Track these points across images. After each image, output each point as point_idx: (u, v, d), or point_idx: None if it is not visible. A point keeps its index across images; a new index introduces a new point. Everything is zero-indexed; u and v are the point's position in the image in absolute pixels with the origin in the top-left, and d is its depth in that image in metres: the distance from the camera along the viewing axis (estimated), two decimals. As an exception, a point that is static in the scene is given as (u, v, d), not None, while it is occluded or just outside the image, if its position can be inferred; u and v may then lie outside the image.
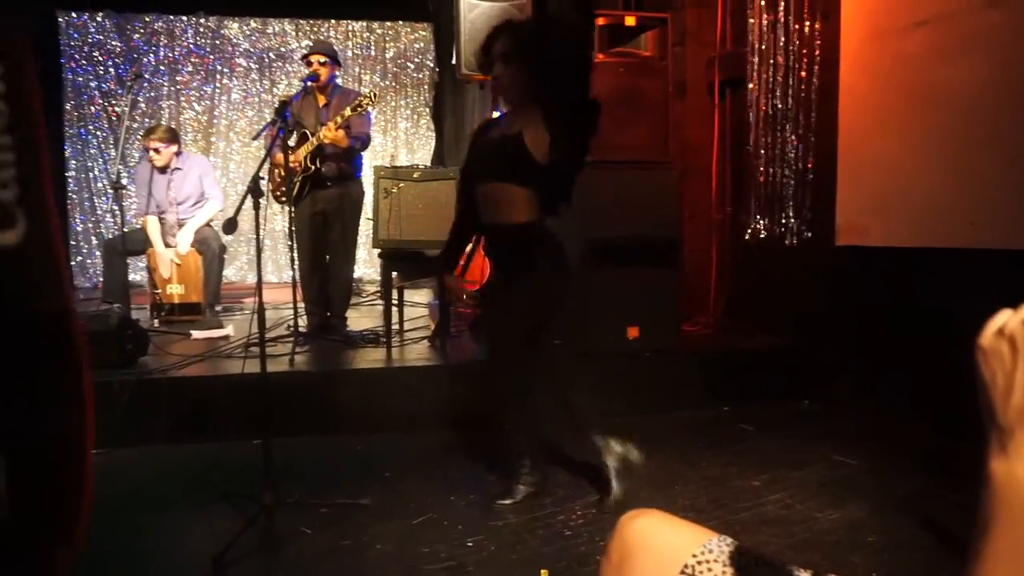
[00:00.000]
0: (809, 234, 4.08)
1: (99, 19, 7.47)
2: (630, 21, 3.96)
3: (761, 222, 4.32)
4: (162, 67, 7.64)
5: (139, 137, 7.13)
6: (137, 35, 7.58)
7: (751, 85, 4.33)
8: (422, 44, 8.09)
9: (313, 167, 4.29)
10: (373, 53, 8.09)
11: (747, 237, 4.42)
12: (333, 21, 7.95)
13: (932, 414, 3.32)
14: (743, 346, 4.29)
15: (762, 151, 4.31)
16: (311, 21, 7.89)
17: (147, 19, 7.57)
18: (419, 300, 5.72)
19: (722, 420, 3.74)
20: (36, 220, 0.59)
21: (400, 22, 8.03)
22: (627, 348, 3.89)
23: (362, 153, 4.54)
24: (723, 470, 3.04)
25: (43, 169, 0.61)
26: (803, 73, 4.02)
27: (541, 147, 2.53)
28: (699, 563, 0.95)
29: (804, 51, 4.02)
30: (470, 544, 2.40)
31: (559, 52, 2.56)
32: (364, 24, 8.00)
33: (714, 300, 4.77)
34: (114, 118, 7.44)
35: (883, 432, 3.45)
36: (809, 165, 4.06)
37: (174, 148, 4.98)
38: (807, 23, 3.99)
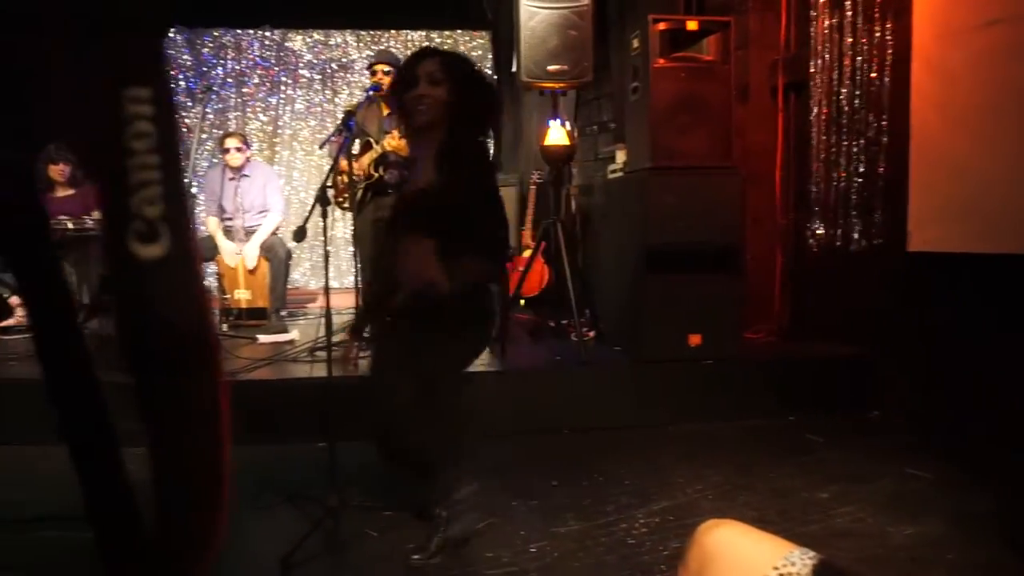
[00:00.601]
0: (879, 240, 3.95)
1: (170, 34, 7.74)
2: (692, 25, 3.92)
3: (827, 228, 4.22)
4: (229, 79, 7.87)
5: (207, 147, 7.39)
6: (206, 49, 7.83)
7: (816, 87, 4.23)
8: (480, 52, 8.14)
9: (376, 174, 4.37)
10: (432, 62, 8.18)
11: (812, 243, 4.31)
12: (393, 31, 8.07)
13: (1008, 426, 3.18)
14: (808, 354, 4.18)
15: (827, 155, 4.21)
16: (371, 32, 8.03)
17: (216, 33, 7.81)
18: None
19: (787, 430, 3.65)
20: (178, 234, 0.62)
21: (459, 31, 8.10)
22: (689, 355, 3.84)
23: (423, 161, 4.60)
24: (790, 481, 2.97)
25: (182, 185, 0.64)
26: (873, 74, 3.90)
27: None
28: (780, 576, 0.93)
29: (874, 51, 3.91)
30: (532, 550, 2.40)
31: (480, 90, 2.46)
32: (423, 33, 8.10)
33: (778, 307, 4.67)
34: (184, 129, 7.69)
35: (956, 445, 3.32)
36: (880, 168, 3.94)
37: (248, 152, 5.26)
38: (877, 22, 3.88)
